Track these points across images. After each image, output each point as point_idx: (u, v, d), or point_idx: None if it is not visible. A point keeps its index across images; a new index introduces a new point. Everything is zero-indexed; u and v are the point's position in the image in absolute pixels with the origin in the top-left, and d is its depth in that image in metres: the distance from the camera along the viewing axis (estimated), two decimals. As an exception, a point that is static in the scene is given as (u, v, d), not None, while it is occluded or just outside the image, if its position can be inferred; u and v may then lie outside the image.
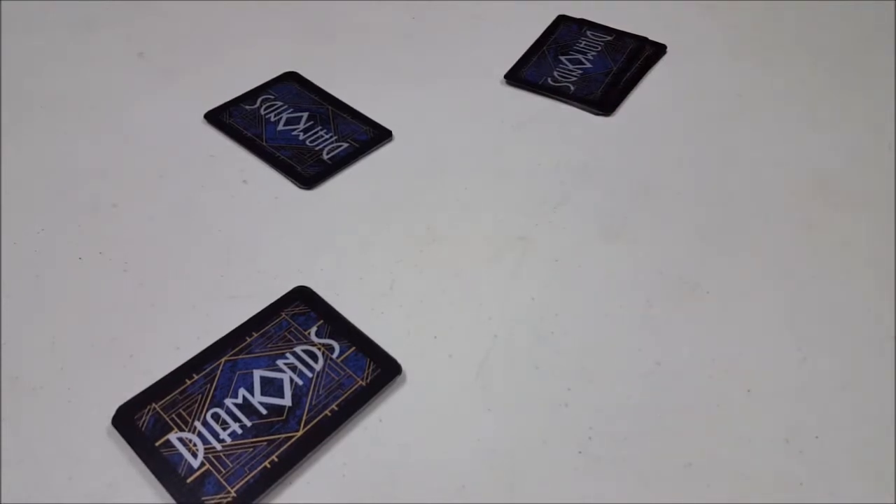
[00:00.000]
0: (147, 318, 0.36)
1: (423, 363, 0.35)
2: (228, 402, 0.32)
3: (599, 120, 0.49)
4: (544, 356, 0.35)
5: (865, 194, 0.43)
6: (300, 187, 0.44)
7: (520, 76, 0.52)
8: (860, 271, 0.39)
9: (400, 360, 0.34)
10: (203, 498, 0.29)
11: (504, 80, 0.52)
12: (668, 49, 0.55)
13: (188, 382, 0.33)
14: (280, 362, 0.34)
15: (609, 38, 0.56)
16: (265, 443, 0.31)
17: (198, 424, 0.32)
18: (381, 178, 0.45)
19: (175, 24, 0.57)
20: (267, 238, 0.41)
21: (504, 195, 0.43)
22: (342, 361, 0.34)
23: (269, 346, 0.35)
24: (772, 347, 0.35)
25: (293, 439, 0.31)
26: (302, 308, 0.36)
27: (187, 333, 0.35)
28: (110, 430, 0.32)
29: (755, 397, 0.33)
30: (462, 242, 0.41)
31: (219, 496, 0.29)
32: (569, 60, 0.53)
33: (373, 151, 0.46)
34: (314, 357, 0.34)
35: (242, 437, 0.31)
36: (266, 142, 0.46)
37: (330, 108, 0.49)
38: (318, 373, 0.34)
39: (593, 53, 0.54)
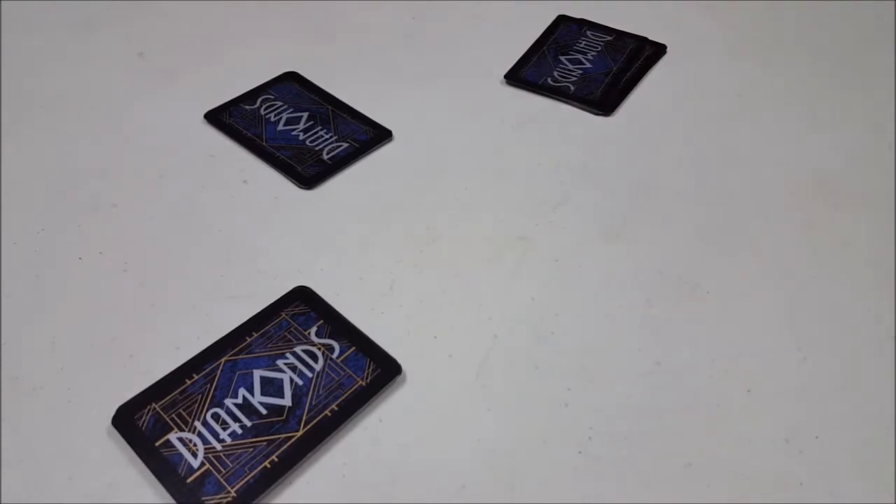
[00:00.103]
0: (147, 318, 0.36)
1: (423, 363, 0.35)
2: (228, 402, 0.32)
3: (599, 120, 0.49)
4: (544, 356, 0.35)
5: (865, 194, 0.43)
6: (300, 187, 0.44)
7: (520, 76, 0.52)
8: (860, 271, 0.39)
9: (400, 360, 0.34)
10: (203, 498, 0.29)
11: (504, 80, 0.52)
12: (668, 49, 0.55)
13: (188, 382, 0.33)
14: (280, 362, 0.34)
15: (609, 38, 0.56)
16: (265, 443, 0.31)
17: (198, 424, 0.32)
18: (381, 178, 0.45)
19: (175, 24, 0.57)
20: (267, 238, 0.41)
21: (504, 195, 0.43)
22: (342, 361, 0.34)
23: (269, 346, 0.35)
24: (772, 347, 0.35)
25: (293, 439, 0.31)
26: (302, 308, 0.36)
27: (187, 333, 0.35)
28: (110, 430, 0.32)
29: (755, 397, 0.33)
30: (462, 242, 0.41)
31: (219, 496, 0.29)
32: (569, 60, 0.53)
33: (373, 151, 0.46)
34: (314, 357, 0.34)
35: (242, 437, 0.31)
36: (266, 142, 0.46)
37: (330, 108, 0.49)
38: (318, 373, 0.34)
39: (593, 53, 0.54)
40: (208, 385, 0.33)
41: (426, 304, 0.37)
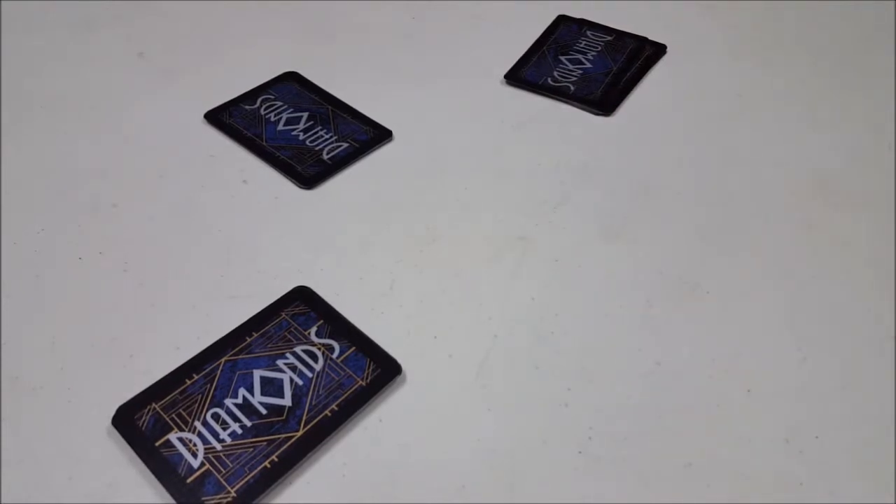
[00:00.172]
0: (147, 318, 0.36)
1: (423, 363, 0.35)
2: (228, 402, 0.32)
3: (599, 120, 0.49)
4: (544, 356, 0.35)
5: (865, 194, 0.43)
6: (300, 187, 0.44)
7: (520, 76, 0.52)
8: (860, 271, 0.39)
9: (400, 360, 0.34)
10: (203, 498, 0.29)
11: (504, 80, 0.52)
12: (668, 49, 0.55)
13: (188, 382, 0.33)
14: (280, 362, 0.34)
15: (609, 38, 0.56)
16: (265, 443, 0.31)
17: (198, 424, 0.32)
18: (381, 178, 0.45)
19: (175, 24, 0.57)
20: (267, 238, 0.41)
21: (504, 195, 0.43)
22: (342, 361, 0.34)
23: (269, 346, 0.35)
24: (772, 347, 0.35)
25: (293, 439, 0.31)
26: (302, 308, 0.36)
27: (187, 333, 0.35)
28: (110, 430, 0.32)
29: (755, 397, 0.33)
30: (462, 242, 0.41)
31: (219, 496, 0.29)
32: (569, 60, 0.53)
33: (373, 151, 0.46)
34: (314, 357, 0.34)
35: (242, 437, 0.31)
36: (266, 142, 0.46)
37: (330, 108, 0.49)
38: (318, 373, 0.34)
39: (593, 53, 0.54)
40: (208, 385, 0.33)
41: (426, 304, 0.37)
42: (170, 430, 0.31)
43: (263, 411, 0.32)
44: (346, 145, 0.46)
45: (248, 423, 0.32)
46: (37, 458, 0.31)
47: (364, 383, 0.33)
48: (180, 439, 0.31)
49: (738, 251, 0.40)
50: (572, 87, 0.51)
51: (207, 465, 0.30)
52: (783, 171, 0.45)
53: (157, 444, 0.31)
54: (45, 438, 0.31)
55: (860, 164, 0.45)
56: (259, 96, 0.50)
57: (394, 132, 0.47)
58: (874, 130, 0.48)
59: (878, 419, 0.33)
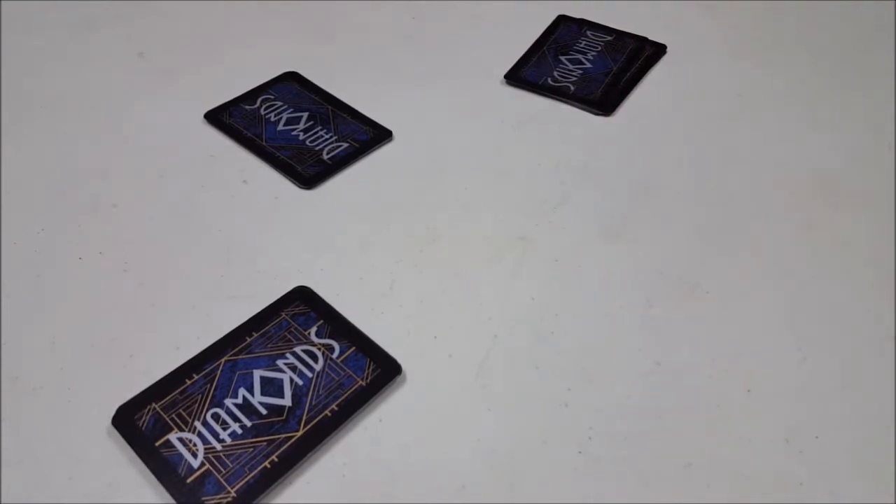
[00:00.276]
0: (147, 318, 0.36)
1: (423, 363, 0.35)
2: (228, 402, 0.32)
3: (599, 120, 0.49)
4: (544, 356, 0.35)
5: (865, 194, 0.43)
6: (300, 187, 0.44)
7: (520, 76, 0.52)
8: (860, 271, 0.39)
9: (400, 360, 0.34)
10: (203, 498, 0.29)
11: (504, 80, 0.52)
12: (668, 49, 0.55)
13: (188, 382, 0.33)
14: (280, 362, 0.34)
15: (609, 38, 0.56)
16: (265, 443, 0.31)
17: (198, 424, 0.32)
18: (381, 178, 0.45)
19: (175, 24, 0.57)
20: (267, 238, 0.41)
21: (504, 195, 0.43)
22: (342, 361, 0.34)
23: (269, 346, 0.35)
24: (772, 347, 0.35)
25: (293, 439, 0.31)
26: (302, 308, 0.36)
27: (187, 333, 0.35)
28: (110, 430, 0.32)
29: (755, 397, 0.33)
30: (462, 242, 0.41)
31: (219, 496, 0.29)
32: (569, 60, 0.53)
33: (373, 151, 0.46)
34: (314, 357, 0.34)
35: (242, 437, 0.31)
36: (266, 142, 0.46)
37: (330, 108, 0.49)
38: (318, 373, 0.34)
39: (593, 53, 0.54)
40: (208, 385, 0.33)
41: (426, 304, 0.37)
42: (170, 430, 0.31)
43: (263, 411, 0.32)
44: (346, 145, 0.46)
45: (248, 423, 0.32)
46: (37, 458, 0.31)
47: (364, 383, 0.33)
48: (180, 439, 0.31)
49: (738, 251, 0.40)
50: (572, 87, 0.51)
51: (207, 465, 0.30)
52: (783, 171, 0.45)
53: (157, 444, 0.31)
54: (45, 438, 0.31)
55: (860, 164, 0.45)
56: (259, 96, 0.50)
57: (394, 132, 0.47)
58: (874, 130, 0.48)
59: (878, 419, 0.33)
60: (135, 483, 0.30)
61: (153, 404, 0.32)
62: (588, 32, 0.56)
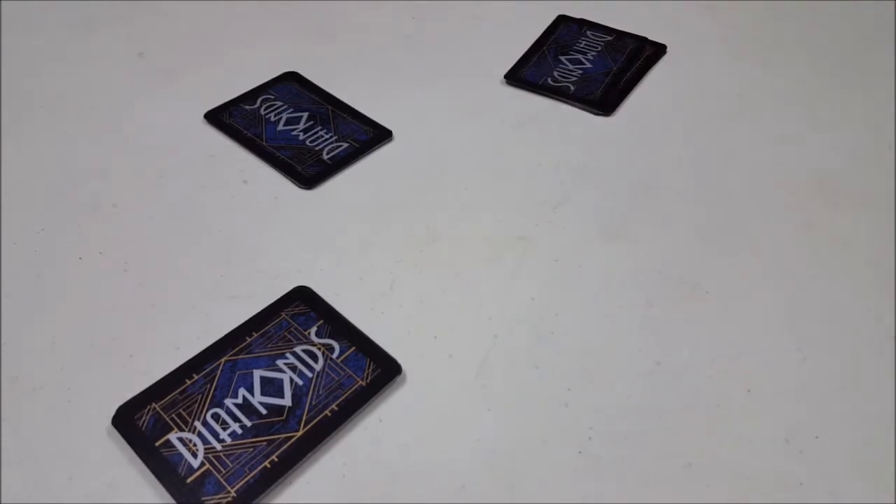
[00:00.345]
0: (147, 318, 0.36)
1: (423, 363, 0.35)
2: (228, 402, 0.32)
3: (599, 120, 0.49)
4: (544, 356, 0.35)
5: (865, 194, 0.43)
6: (300, 187, 0.44)
7: (520, 76, 0.52)
8: (860, 271, 0.39)
9: (400, 360, 0.34)
10: (203, 498, 0.29)
11: (504, 80, 0.52)
12: (668, 49, 0.55)
13: (188, 382, 0.33)
14: (280, 362, 0.34)
15: (609, 38, 0.56)
16: (265, 443, 0.31)
17: (198, 424, 0.32)
18: (381, 178, 0.45)
19: (175, 24, 0.57)
20: (267, 238, 0.41)
21: (504, 195, 0.43)
22: (342, 361, 0.34)
23: (269, 346, 0.35)
24: (772, 347, 0.35)
25: (293, 439, 0.31)
26: (302, 308, 0.36)
27: (187, 333, 0.35)
28: (110, 430, 0.32)
29: (755, 397, 0.33)
30: (462, 242, 0.41)
31: (219, 496, 0.29)
32: (569, 60, 0.53)
33: (373, 151, 0.46)
34: (314, 357, 0.34)
35: (242, 437, 0.31)
36: (266, 142, 0.46)
37: (330, 108, 0.49)
38: (318, 373, 0.34)
39: (593, 53, 0.54)
40: (208, 385, 0.33)
41: (426, 304, 0.37)
42: (170, 430, 0.31)
43: (263, 411, 0.32)
44: (346, 145, 0.46)
45: (248, 423, 0.32)
46: (37, 458, 0.31)
47: (364, 383, 0.33)
48: (180, 439, 0.31)
49: (738, 251, 0.40)
50: (572, 87, 0.51)
51: (207, 465, 0.30)
52: (783, 171, 0.45)
53: (157, 444, 0.31)
54: (45, 438, 0.31)
55: (860, 164, 0.45)
56: (259, 96, 0.50)
57: (394, 132, 0.47)
58: (874, 130, 0.48)
59: (878, 419, 0.33)
60: (135, 483, 0.30)
61: (153, 404, 0.32)
62: (588, 32, 0.56)
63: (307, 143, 0.46)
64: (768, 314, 0.37)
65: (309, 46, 0.55)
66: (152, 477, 0.30)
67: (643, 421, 0.33)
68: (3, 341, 0.35)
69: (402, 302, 0.37)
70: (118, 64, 0.53)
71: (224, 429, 0.31)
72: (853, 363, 0.35)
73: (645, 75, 0.53)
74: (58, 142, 0.46)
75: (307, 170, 0.44)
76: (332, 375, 0.34)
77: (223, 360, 0.34)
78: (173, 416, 0.32)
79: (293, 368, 0.34)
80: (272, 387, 0.33)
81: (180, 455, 0.31)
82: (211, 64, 0.53)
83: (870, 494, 0.30)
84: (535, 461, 0.31)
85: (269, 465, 0.30)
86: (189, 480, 0.30)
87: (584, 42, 0.55)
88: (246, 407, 0.32)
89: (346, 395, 0.33)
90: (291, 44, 0.55)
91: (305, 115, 0.48)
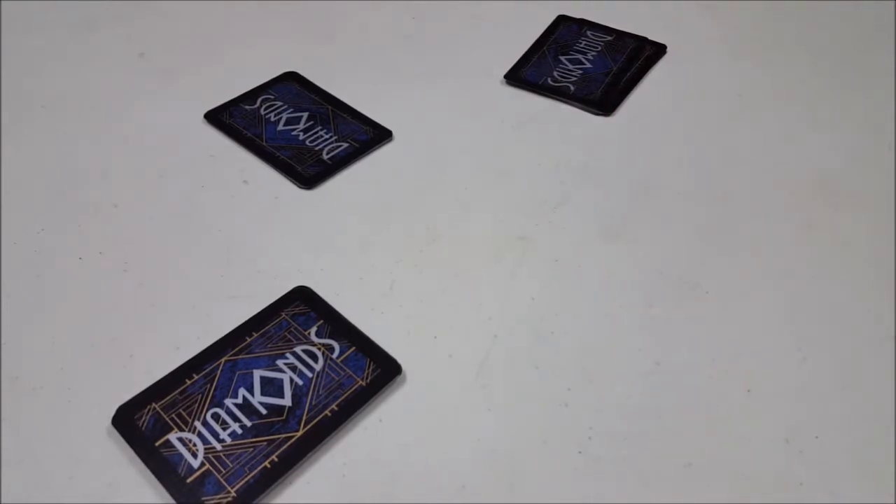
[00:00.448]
0: (147, 318, 0.36)
1: (423, 363, 0.35)
2: (228, 402, 0.32)
3: (599, 120, 0.49)
4: (544, 356, 0.35)
5: (865, 194, 0.43)
6: (300, 187, 0.44)
7: (520, 76, 0.52)
8: (860, 271, 0.39)
9: (400, 360, 0.34)
10: (203, 498, 0.29)
11: (504, 80, 0.52)
12: (668, 49, 0.55)
13: (188, 382, 0.33)
14: (280, 362, 0.34)
15: (609, 38, 0.56)
16: (265, 443, 0.31)
17: (198, 424, 0.32)
18: (381, 178, 0.45)
19: (175, 24, 0.57)
20: (267, 238, 0.41)
21: (504, 195, 0.43)
22: (342, 361, 0.34)
23: (269, 346, 0.35)
24: (772, 347, 0.35)
25: (293, 439, 0.31)
26: (302, 308, 0.36)
27: (187, 333, 0.35)
28: (110, 430, 0.32)
29: (755, 397, 0.33)
30: (462, 242, 0.41)
31: (219, 496, 0.29)
32: (569, 60, 0.53)
33: (373, 151, 0.46)
34: (314, 357, 0.34)
35: (242, 437, 0.31)
36: (266, 142, 0.46)
37: (330, 108, 0.49)
38: (318, 373, 0.34)
39: (593, 53, 0.54)
40: (208, 385, 0.33)
41: (426, 304, 0.37)
42: (170, 430, 0.31)
43: (263, 411, 0.32)
44: (346, 145, 0.46)
45: (248, 423, 0.32)
46: (37, 458, 0.31)
47: (364, 383, 0.33)
48: (180, 439, 0.31)
49: (738, 251, 0.40)
50: (572, 87, 0.51)
51: (207, 465, 0.30)
52: (783, 171, 0.45)
53: (157, 444, 0.31)
54: (45, 438, 0.31)
55: (860, 164, 0.45)
56: (259, 96, 0.50)
57: (394, 132, 0.47)
58: (874, 130, 0.48)
59: (878, 419, 0.33)
60: (135, 483, 0.30)
61: (153, 404, 0.32)
62: (588, 32, 0.56)
63: (307, 143, 0.46)
64: (768, 314, 0.37)
65: (309, 46, 0.55)
66: (152, 477, 0.30)
67: (643, 421, 0.33)
68: (3, 341, 0.35)
69: (402, 302, 0.37)
70: (118, 64, 0.53)
71: (224, 429, 0.31)
72: (853, 363, 0.35)
73: (645, 75, 0.53)
74: (58, 142, 0.46)
75: (307, 170, 0.44)
76: (332, 375, 0.34)
77: (223, 360, 0.34)
78: (173, 416, 0.32)
79: (293, 368, 0.34)
80: (272, 387, 0.33)
81: (180, 455, 0.31)
82: (211, 64, 0.53)
83: (870, 494, 0.30)
84: (535, 461, 0.31)
85: (269, 465, 0.30)
86: (189, 480, 0.30)
87: (584, 42, 0.55)
88: (246, 407, 0.32)
89: (346, 395, 0.33)
90: (291, 44, 0.55)
91: (305, 115, 0.48)
